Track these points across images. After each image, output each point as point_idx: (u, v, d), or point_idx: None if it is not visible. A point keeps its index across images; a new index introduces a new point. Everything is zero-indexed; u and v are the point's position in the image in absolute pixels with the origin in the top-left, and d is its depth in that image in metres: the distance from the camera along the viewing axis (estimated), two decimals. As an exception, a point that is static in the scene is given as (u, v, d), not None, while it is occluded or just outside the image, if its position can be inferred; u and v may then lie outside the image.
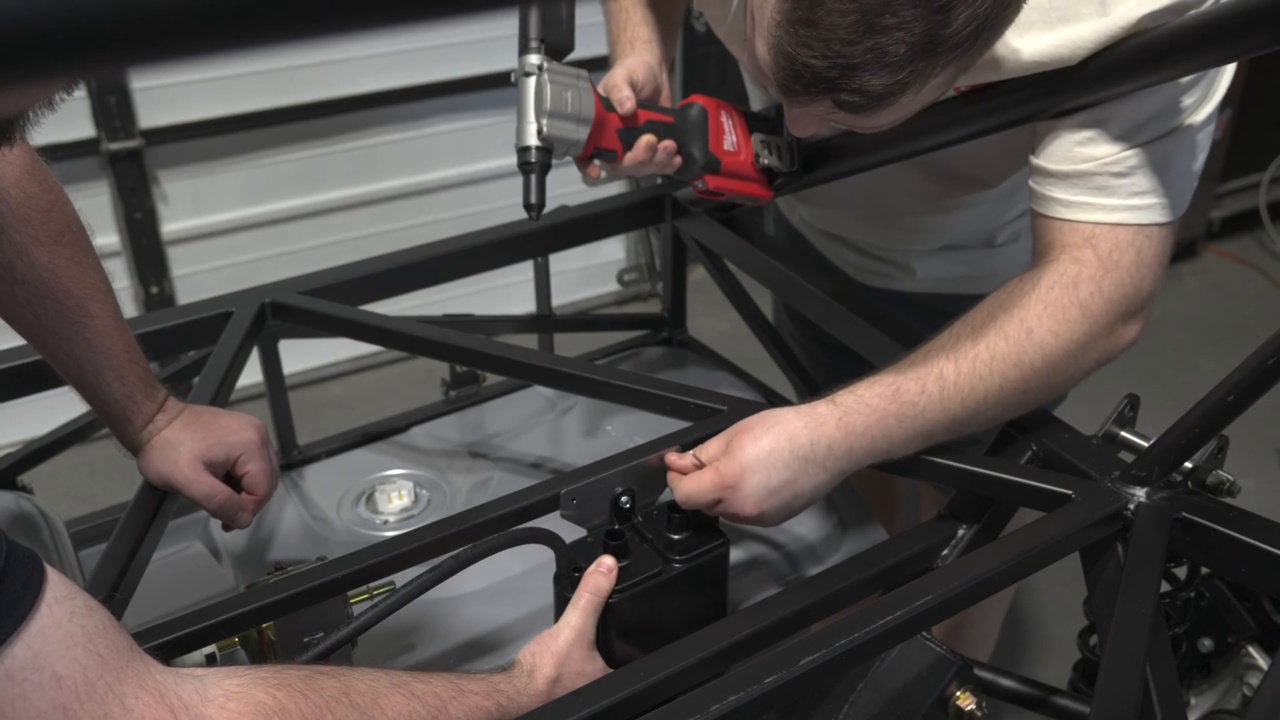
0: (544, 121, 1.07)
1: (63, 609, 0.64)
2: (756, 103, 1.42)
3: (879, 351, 1.22)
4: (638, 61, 1.19)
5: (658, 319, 1.75)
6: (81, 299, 1.03)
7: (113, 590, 0.98)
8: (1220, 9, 0.91)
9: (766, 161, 1.25)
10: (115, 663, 0.66)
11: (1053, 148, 1.04)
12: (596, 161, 1.14)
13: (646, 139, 1.13)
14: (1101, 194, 1.02)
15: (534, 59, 1.08)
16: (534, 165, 1.08)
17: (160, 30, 0.25)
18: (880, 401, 1.01)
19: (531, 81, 1.07)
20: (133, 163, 2.65)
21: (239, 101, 2.71)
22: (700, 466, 1.04)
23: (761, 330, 1.61)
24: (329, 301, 1.39)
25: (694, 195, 1.55)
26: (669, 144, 1.16)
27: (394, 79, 2.87)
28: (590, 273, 3.16)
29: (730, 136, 1.23)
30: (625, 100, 1.13)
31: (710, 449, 1.05)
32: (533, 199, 1.07)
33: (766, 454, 1.00)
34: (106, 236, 2.72)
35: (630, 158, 1.13)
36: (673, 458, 1.07)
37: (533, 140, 1.08)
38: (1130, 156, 1.00)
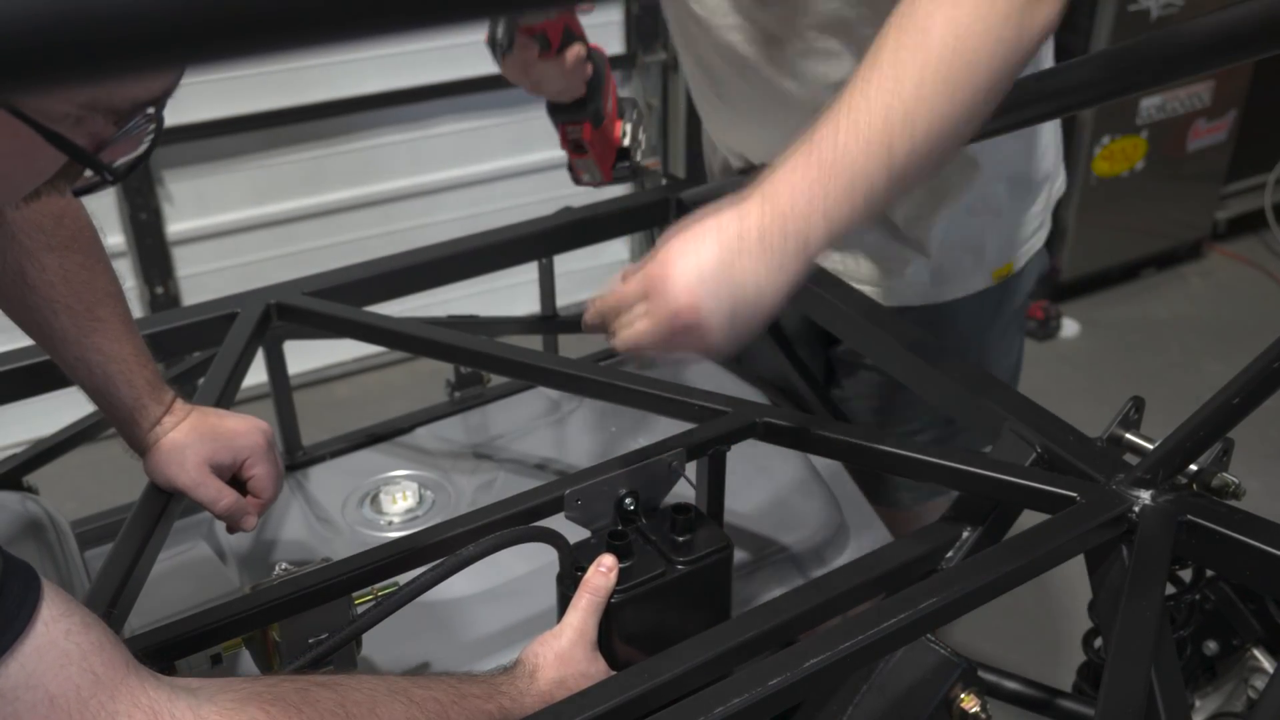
0: None
1: (59, 627, 0.64)
2: (705, 108, 1.40)
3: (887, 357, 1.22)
4: None
5: (662, 320, 1.75)
6: (91, 303, 1.03)
7: (117, 593, 0.99)
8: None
9: (627, 142, 1.23)
10: (110, 680, 0.65)
11: None
12: (529, 40, 1.11)
13: (579, 49, 1.11)
14: None
15: None
16: None
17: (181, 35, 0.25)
18: (800, 169, 0.87)
19: None
20: (138, 163, 2.65)
21: (244, 102, 2.72)
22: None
23: (766, 331, 1.61)
24: (334, 302, 1.40)
25: (698, 197, 1.56)
26: (590, 68, 1.14)
27: (398, 80, 2.87)
28: (595, 274, 3.14)
29: (610, 100, 1.22)
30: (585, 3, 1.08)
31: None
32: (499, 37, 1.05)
33: (693, 235, 0.87)
34: (112, 237, 2.72)
35: (561, 58, 1.10)
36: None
37: None
38: None
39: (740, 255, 0.86)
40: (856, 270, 1.43)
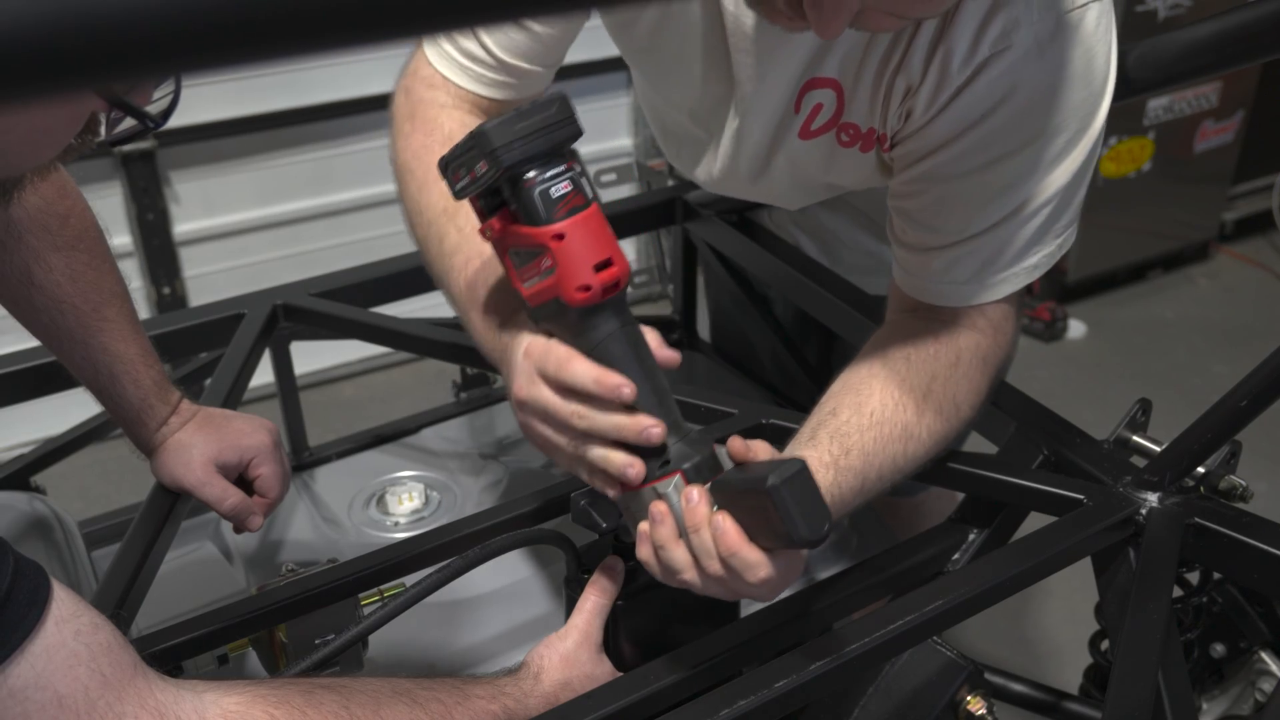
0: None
1: (68, 628, 0.65)
2: (669, 150, 1.32)
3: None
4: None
5: (668, 321, 1.75)
6: (98, 303, 1.04)
7: (124, 593, 0.99)
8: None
9: None
10: (117, 681, 0.66)
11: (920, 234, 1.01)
12: None
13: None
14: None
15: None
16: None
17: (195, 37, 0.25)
18: (827, 487, 0.90)
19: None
20: (145, 164, 2.66)
21: (251, 103, 2.72)
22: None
23: (772, 332, 1.61)
24: (340, 303, 1.40)
25: (704, 198, 1.56)
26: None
27: (405, 80, 2.87)
28: (600, 274, 3.15)
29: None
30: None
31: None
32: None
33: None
34: (119, 237, 2.73)
35: None
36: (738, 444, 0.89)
37: None
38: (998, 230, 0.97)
39: None
40: (852, 262, 1.42)
